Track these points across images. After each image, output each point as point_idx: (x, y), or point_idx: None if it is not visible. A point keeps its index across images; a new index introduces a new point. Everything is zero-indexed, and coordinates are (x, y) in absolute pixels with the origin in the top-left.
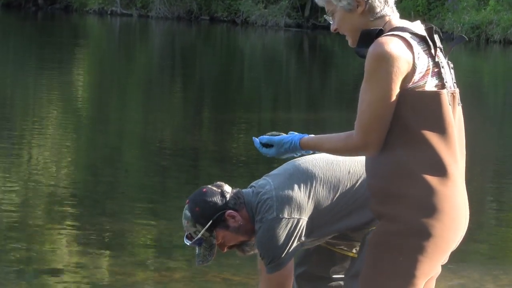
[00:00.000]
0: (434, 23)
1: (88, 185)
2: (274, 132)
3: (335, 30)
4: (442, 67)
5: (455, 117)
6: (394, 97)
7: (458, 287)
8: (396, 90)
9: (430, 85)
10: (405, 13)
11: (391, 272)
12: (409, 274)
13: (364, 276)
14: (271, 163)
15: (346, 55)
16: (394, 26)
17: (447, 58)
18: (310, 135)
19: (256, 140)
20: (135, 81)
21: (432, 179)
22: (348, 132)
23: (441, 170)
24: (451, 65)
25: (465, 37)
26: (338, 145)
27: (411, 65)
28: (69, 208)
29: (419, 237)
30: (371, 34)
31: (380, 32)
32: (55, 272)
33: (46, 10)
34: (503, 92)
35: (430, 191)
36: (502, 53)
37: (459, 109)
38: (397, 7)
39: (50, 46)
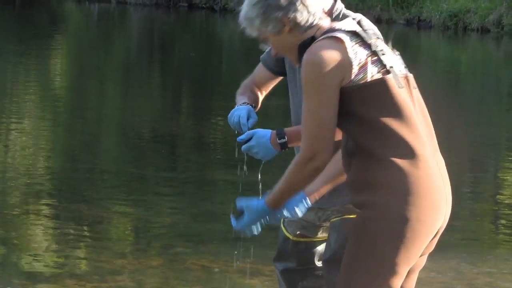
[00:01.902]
0: (412, 11)
1: (66, 172)
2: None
3: (276, 55)
4: (383, 54)
5: (413, 100)
6: (333, 100)
7: (436, 274)
8: (334, 92)
9: (372, 73)
10: (383, 1)
11: (372, 259)
12: (390, 260)
13: (345, 264)
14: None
15: None
16: (324, 30)
17: (390, 46)
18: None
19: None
20: (113, 67)
21: (402, 163)
22: (291, 162)
23: (409, 153)
24: (397, 53)
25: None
26: (292, 171)
27: (346, 61)
28: (46, 195)
29: (397, 222)
30: (306, 46)
31: (313, 40)
32: (32, 260)
33: None
34: (480, 80)
35: (402, 175)
36: (480, 41)
37: (416, 92)
38: None
39: (28, 32)
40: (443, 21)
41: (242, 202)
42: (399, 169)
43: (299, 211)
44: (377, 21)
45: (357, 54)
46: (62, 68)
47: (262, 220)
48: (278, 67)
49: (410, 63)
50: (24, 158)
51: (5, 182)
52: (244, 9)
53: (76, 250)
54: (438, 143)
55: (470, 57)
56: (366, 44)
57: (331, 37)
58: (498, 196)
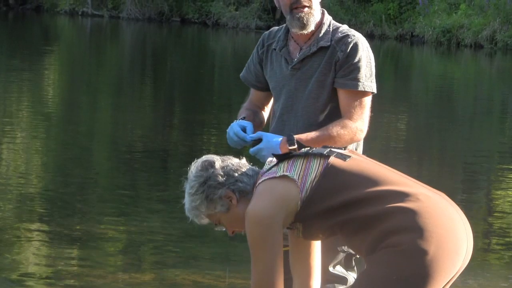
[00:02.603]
0: (405, 27)
1: (58, 186)
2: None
3: (233, 233)
4: (313, 148)
5: (367, 160)
6: (278, 248)
7: None
8: (278, 238)
9: (316, 169)
10: (376, 17)
11: None
12: None
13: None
14: None
15: None
16: (256, 184)
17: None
18: None
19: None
20: (105, 81)
21: (404, 204)
22: None
23: (401, 196)
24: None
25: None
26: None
27: (287, 186)
28: (38, 209)
29: (419, 254)
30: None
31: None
32: (24, 273)
33: (17, 10)
34: (473, 96)
35: (410, 212)
36: (473, 57)
37: (355, 157)
38: (368, 11)
39: (21, 46)
40: (436, 37)
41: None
42: (402, 210)
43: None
44: (370, 37)
45: (292, 171)
46: (54, 82)
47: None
48: (260, 83)
49: (403, 79)
50: (16, 172)
51: None
52: (187, 201)
53: (68, 265)
54: (432, 158)
55: (463, 73)
56: (294, 158)
57: (261, 183)
58: (490, 210)
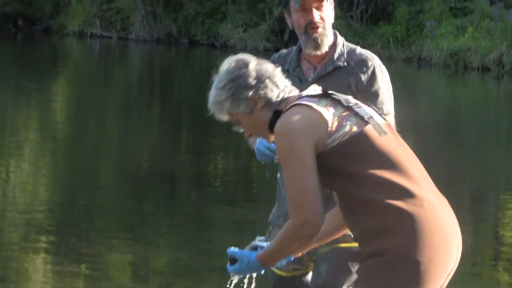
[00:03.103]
0: (412, 49)
1: (65, 208)
2: (252, 243)
3: (249, 136)
4: (359, 107)
5: (400, 144)
6: (311, 164)
7: None
8: (310, 156)
9: (350, 128)
10: (383, 39)
11: None
12: None
13: None
14: (249, 189)
15: None
16: (292, 100)
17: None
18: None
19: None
20: (113, 102)
21: (405, 205)
22: (284, 225)
23: (407, 195)
24: (372, 106)
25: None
26: (284, 237)
27: (318, 123)
28: (45, 230)
29: (410, 265)
30: (271, 123)
31: (279, 113)
32: None
33: (26, 31)
34: (480, 119)
35: (407, 217)
36: (480, 80)
37: (390, 136)
38: (376, 33)
39: (30, 67)
40: (443, 60)
41: (236, 252)
42: (404, 211)
43: (281, 264)
44: None
45: (329, 115)
46: (62, 103)
47: (251, 273)
48: None
49: (411, 101)
50: (24, 193)
51: (4, 217)
52: (212, 94)
53: (75, 287)
54: (438, 181)
55: (470, 96)
56: (337, 102)
57: (298, 105)
58: (498, 235)
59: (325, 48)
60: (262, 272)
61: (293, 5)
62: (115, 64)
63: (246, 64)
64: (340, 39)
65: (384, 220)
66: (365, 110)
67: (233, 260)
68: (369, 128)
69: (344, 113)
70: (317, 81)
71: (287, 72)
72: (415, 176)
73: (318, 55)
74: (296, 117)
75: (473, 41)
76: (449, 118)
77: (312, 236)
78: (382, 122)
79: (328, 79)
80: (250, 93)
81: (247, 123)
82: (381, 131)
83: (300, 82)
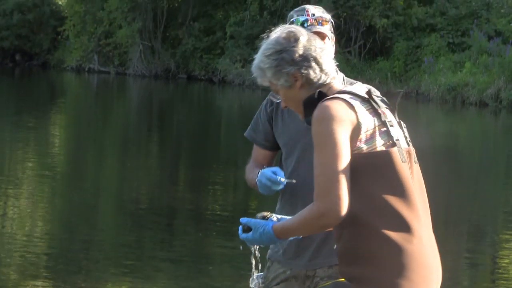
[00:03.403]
0: (410, 85)
1: (63, 243)
2: (262, 213)
3: (285, 107)
4: (391, 125)
5: (412, 175)
6: (346, 155)
7: None
8: (346, 148)
9: (379, 144)
10: (382, 75)
11: None
12: None
13: None
14: None
15: None
16: (336, 90)
17: (397, 118)
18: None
19: (240, 227)
20: (111, 138)
21: (396, 237)
22: (306, 208)
23: (404, 228)
24: (403, 125)
25: (402, 90)
26: (304, 219)
27: (355, 125)
28: (44, 265)
29: None
30: (312, 101)
31: (321, 96)
32: None
33: (23, 66)
34: (478, 155)
35: (396, 249)
36: (478, 115)
37: (416, 167)
38: (374, 68)
39: (27, 102)
40: (441, 95)
41: (250, 220)
42: (393, 243)
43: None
44: None
45: (366, 121)
46: (60, 139)
47: (264, 243)
48: (268, 142)
49: (409, 136)
50: (22, 228)
51: (2, 252)
52: (258, 59)
53: None
54: (436, 216)
55: (468, 131)
56: (376, 112)
57: (341, 99)
58: (494, 270)
59: None
60: (273, 244)
61: None
62: (113, 99)
63: (296, 39)
64: (340, 75)
65: (372, 247)
66: (395, 130)
67: (247, 229)
68: (394, 151)
69: (379, 127)
70: None
71: (286, 108)
72: (418, 210)
73: None
74: (338, 108)
75: (471, 76)
76: (447, 153)
77: (330, 227)
78: (405, 148)
79: None
80: (293, 69)
81: (285, 96)
82: (403, 158)
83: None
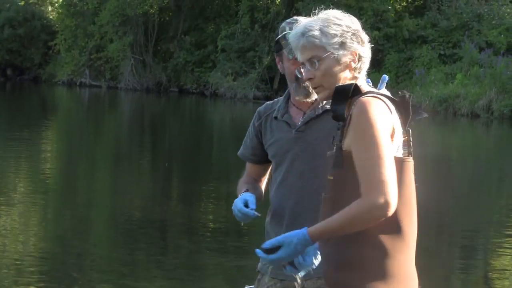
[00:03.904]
0: None
1: (56, 256)
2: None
3: (309, 80)
4: (411, 136)
5: (412, 183)
6: (391, 148)
7: None
8: (389, 140)
9: (401, 151)
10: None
11: None
12: None
13: None
14: (239, 237)
15: None
16: (368, 89)
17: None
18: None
19: (259, 251)
20: (103, 152)
21: (390, 245)
22: (352, 204)
23: (399, 237)
24: (411, 133)
25: (425, 114)
26: (352, 215)
27: (391, 127)
28: (36, 280)
29: None
30: (345, 91)
31: (355, 90)
32: None
33: (15, 81)
34: (471, 166)
35: (387, 258)
36: (470, 126)
37: (413, 177)
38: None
39: (19, 117)
40: (433, 106)
41: (275, 239)
42: (386, 251)
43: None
44: None
45: (398, 127)
46: (52, 153)
47: (301, 252)
48: (255, 156)
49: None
50: (14, 242)
51: None
52: (319, 23)
53: None
54: (429, 226)
55: (460, 143)
56: (403, 121)
57: (381, 100)
58: (487, 280)
59: (315, 96)
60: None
61: (287, 54)
62: (105, 113)
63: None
64: None
65: (365, 253)
66: (411, 141)
67: (272, 250)
68: (410, 161)
69: (403, 137)
70: (306, 124)
71: (275, 119)
72: (414, 220)
73: (307, 101)
74: (382, 108)
75: (462, 87)
76: (439, 164)
77: (380, 220)
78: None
79: (318, 121)
80: (358, 49)
81: (328, 68)
82: (412, 170)
83: (289, 127)
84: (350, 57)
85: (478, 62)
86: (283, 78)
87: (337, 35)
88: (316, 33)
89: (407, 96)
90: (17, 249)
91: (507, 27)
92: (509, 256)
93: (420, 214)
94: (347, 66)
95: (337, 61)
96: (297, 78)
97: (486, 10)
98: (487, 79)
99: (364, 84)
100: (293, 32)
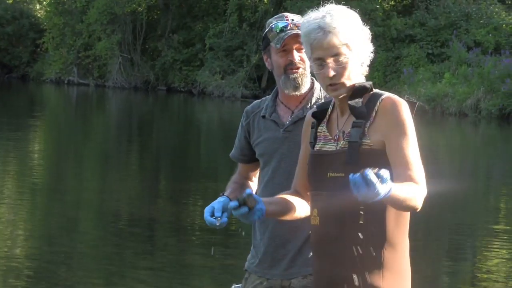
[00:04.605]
0: None
1: (44, 255)
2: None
3: (331, 77)
4: None
5: None
6: None
7: None
8: None
9: None
10: None
11: None
12: None
13: None
14: (226, 235)
15: None
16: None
17: None
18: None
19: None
20: (91, 150)
21: (406, 248)
22: (412, 185)
23: (406, 234)
24: None
25: (416, 101)
26: (414, 194)
27: None
28: (24, 278)
29: None
30: (364, 89)
31: (372, 88)
32: None
33: (2, 79)
34: (458, 165)
35: (406, 261)
36: (458, 125)
37: None
38: None
39: (6, 115)
40: (420, 105)
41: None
42: (405, 255)
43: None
44: None
45: None
46: (40, 151)
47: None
48: (244, 156)
49: None
50: (2, 241)
51: None
52: (340, 19)
53: None
54: (417, 225)
55: (448, 142)
56: None
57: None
58: (474, 278)
59: (304, 89)
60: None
61: (274, 45)
62: (93, 112)
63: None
64: (317, 84)
65: (392, 258)
66: None
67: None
68: None
69: None
70: (294, 124)
71: (263, 118)
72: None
73: (296, 96)
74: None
75: (450, 87)
76: (427, 163)
77: (413, 211)
78: None
79: None
80: (371, 46)
81: (349, 67)
82: None
83: (277, 126)
84: (367, 53)
85: (466, 61)
86: (271, 76)
87: (359, 31)
88: (341, 29)
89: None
90: (5, 246)
91: (495, 27)
92: (496, 253)
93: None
94: (363, 63)
95: (359, 58)
96: (285, 71)
97: (474, 9)
98: (475, 79)
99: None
100: (310, 27)
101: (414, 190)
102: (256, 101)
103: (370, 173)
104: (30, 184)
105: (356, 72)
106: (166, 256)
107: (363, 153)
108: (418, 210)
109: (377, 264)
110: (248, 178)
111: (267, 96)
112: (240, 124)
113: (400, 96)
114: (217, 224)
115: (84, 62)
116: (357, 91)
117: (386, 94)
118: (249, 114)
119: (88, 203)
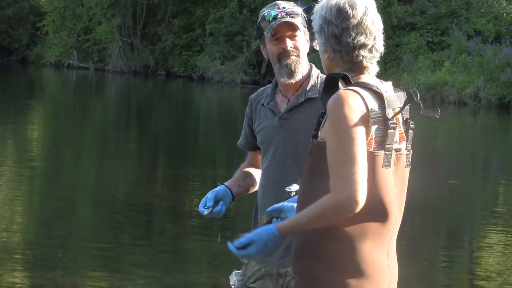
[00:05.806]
0: None
1: (41, 239)
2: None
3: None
4: (393, 128)
5: (397, 178)
6: (364, 143)
7: None
8: (363, 135)
9: (376, 146)
10: None
11: None
12: None
13: None
14: (224, 220)
15: None
16: (359, 81)
17: (408, 118)
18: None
19: (230, 245)
20: (89, 134)
21: (356, 237)
22: (320, 199)
23: (367, 230)
24: (411, 125)
25: (438, 111)
26: (320, 211)
27: (366, 121)
28: (21, 261)
29: None
30: (334, 81)
31: (345, 79)
32: None
33: (2, 62)
34: (457, 154)
35: (352, 250)
36: (457, 114)
37: (405, 170)
38: None
39: (5, 98)
40: (420, 93)
41: (246, 236)
42: (351, 243)
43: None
44: None
45: (375, 118)
46: (39, 135)
47: (271, 248)
48: (249, 143)
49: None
50: None
51: None
52: (318, 14)
53: None
54: (413, 216)
55: (447, 130)
56: (384, 114)
57: (356, 92)
58: (472, 268)
59: (299, 76)
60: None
61: (266, 34)
62: (92, 96)
63: (353, 15)
64: (315, 71)
65: (330, 244)
66: (394, 134)
67: (245, 246)
68: (378, 154)
69: (399, 132)
70: (289, 112)
71: (263, 106)
72: (390, 216)
73: (292, 84)
74: (358, 100)
75: (450, 75)
76: (426, 152)
77: (346, 217)
78: (395, 152)
79: (300, 109)
80: (332, 41)
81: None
82: (386, 162)
83: (274, 115)
84: (324, 47)
85: (466, 50)
86: (270, 63)
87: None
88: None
89: (416, 95)
90: (2, 229)
91: (495, 15)
92: (494, 238)
93: (405, 204)
94: (327, 56)
95: (321, 52)
96: (279, 59)
97: None
98: (475, 67)
99: (366, 76)
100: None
101: (315, 208)
102: (261, 88)
103: (230, 246)
104: (28, 167)
105: (331, 63)
106: (163, 241)
107: (316, 146)
108: (343, 217)
109: (313, 250)
110: (255, 165)
111: (270, 84)
112: (245, 112)
113: (399, 85)
114: (205, 213)
115: (84, 45)
116: (327, 82)
117: (340, 90)
118: (252, 102)
119: (85, 187)
